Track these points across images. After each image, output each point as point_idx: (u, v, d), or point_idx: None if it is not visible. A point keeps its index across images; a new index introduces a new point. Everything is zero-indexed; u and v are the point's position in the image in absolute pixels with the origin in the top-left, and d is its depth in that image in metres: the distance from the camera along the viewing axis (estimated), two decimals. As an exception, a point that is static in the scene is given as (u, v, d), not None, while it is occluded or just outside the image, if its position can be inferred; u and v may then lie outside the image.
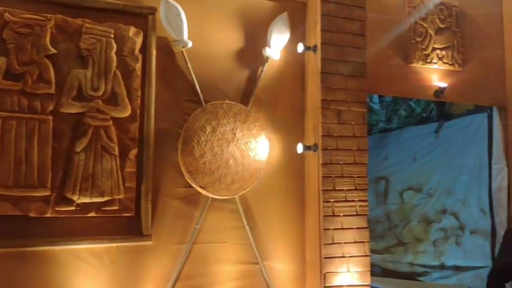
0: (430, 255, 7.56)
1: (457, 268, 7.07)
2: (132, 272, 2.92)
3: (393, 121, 9.65)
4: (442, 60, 3.88)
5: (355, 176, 3.30)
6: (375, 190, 8.98)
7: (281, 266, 3.29)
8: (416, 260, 7.73)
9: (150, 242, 2.93)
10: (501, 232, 4.12)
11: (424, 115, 9.19)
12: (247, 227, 3.20)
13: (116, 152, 2.86)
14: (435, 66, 3.86)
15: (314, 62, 3.35)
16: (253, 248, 3.20)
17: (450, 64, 3.90)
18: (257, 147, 3.21)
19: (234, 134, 3.17)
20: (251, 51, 3.35)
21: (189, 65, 3.12)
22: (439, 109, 8.72)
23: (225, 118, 3.16)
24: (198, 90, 3.15)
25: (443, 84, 3.78)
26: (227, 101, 3.21)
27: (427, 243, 7.71)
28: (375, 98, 10.13)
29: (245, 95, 3.30)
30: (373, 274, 8.50)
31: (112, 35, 2.91)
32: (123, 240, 2.88)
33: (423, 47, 3.82)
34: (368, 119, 9.76)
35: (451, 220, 7.44)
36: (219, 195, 3.12)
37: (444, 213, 7.63)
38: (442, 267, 7.28)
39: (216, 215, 3.15)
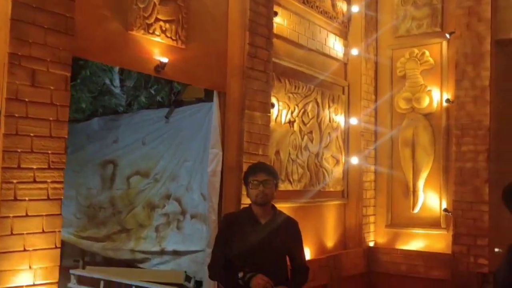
0: (152, 241, 7.44)
1: (176, 253, 7.11)
2: None
3: (133, 107, 9.29)
4: (165, 34, 3.59)
5: (49, 152, 2.71)
6: (101, 174, 8.45)
7: None
8: (138, 247, 7.51)
9: None
10: (212, 216, 4.10)
11: (160, 99, 9.10)
12: None
13: None
14: (158, 39, 3.56)
15: (4, 5, 2.62)
16: None
17: (173, 39, 3.65)
18: None
19: None
20: None
21: None
22: (172, 95, 8.74)
23: None
24: None
25: (164, 60, 3.50)
26: None
27: (150, 229, 7.58)
28: (117, 81, 9.64)
29: None
30: (95, 263, 7.98)
31: None
32: None
33: (146, 15, 3.46)
34: (107, 102, 9.14)
35: (174, 205, 7.46)
36: None
37: (168, 199, 7.60)
38: (162, 252, 7.23)
39: None
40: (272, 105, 4.44)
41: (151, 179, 7.85)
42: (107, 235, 7.96)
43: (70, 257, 8.96)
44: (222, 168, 4.09)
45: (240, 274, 2.95)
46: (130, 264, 7.47)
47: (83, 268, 7.86)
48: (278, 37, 4.63)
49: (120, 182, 8.14)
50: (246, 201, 3.25)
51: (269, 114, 4.32)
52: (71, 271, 7.34)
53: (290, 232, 3.24)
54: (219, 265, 3.16)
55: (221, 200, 4.06)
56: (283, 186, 4.70)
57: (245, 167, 3.85)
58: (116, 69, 9.19)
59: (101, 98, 9.48)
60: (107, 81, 9.36)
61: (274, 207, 3.26)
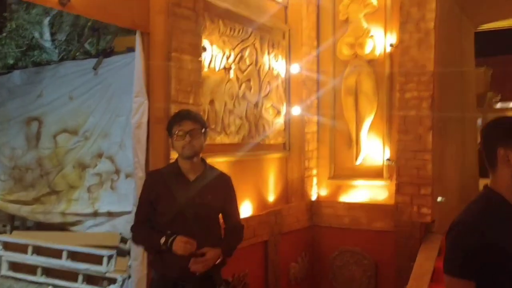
0: (84, 203, 7.01)
1: (111, 214, 6.73)
2: None
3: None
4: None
5: None
6: (26, 133, 7.80)
7: None
8: (69, 209, 7.06)
9: None
10: (139, 173, 3.68)
11: (88, 49, 8.40)
12: None
13: None
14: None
15: None
16: None
17: (80, -33, 3.09)
18: None
19: None
20: None
21: None
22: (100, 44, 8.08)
23: None
24: None
25: (70, -11, 2.96)
26: None
27: (81, 190, 7.12)
28: (47, 35, 8.84)
29: None
30: (25, 228, 7.45)
31: None
32: None
33: None
34: (37, 57, 8.31)
35: (107, 164, 7.01)
36: None
37: (100, 157, 7.13)
38: (95, 214, 6.83)
39: None
40: (204, 49, 4.00)
41: (80, 136, 7.33)
42: (36, 198, 7.46)
43: (5, 222, 8.38)
44: (148, 119, 3.66)
45: (162, 240, 2.60)
46: (61, 227, 7.04)
47: (11, 233, 7.35)
48: (209, -28, 4.13)
49: (46, 141, 7.56)
50: (175, 155, 2.86)
51: (200, 59, 3.88)
52: (-5, 237, 6.82)
53: (222, 189, 2.90)
54: (142, 228, 2.80)
55: (148, 155, 3.64)
56: (219, 139, 4.34)
57: (174, 118, 3.43)
58: (46, 21, 8.50)
59: (31, 53, 8.70)
60: (37, 35, 8.59)
61: (204, 161, 2.90)
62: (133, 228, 2.84)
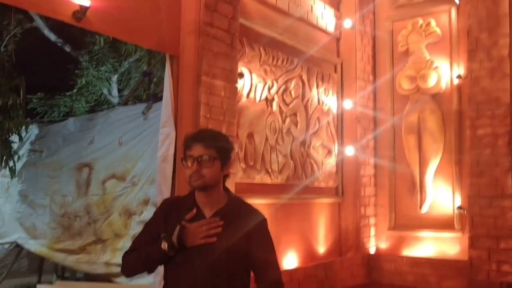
0: (129, 252, 6.66)
1: (157, 264, 6.31)
2: None
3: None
4: (90, -28, 2.80)
5: None
6: (76, 179, 7.70)
7: None
8: (114, 259, 6.71)
9: None
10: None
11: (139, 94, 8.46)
12: None
13: None
14: (80, -22, 2.77)
15: None
16: None
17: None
18: None
19: None
20: None
21: None
22: (151, 89, 8.09)
23: None
24: None
25: (86, 2, 2.70)
26: None
27: (126, 239, 6.77)
28: (114, 91, 9.12)
29: None
30: (75, 279, 7.20)
31: None
32: None
33: None
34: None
35: (153, 211, 6.69)
36: None
37: (146, 204, 6.82)
38: (138, 265, 6.42)
39: None
40: (241, 75, 3.62)
41: (128, 182, 7.11)
42: (82, 247, 7.21)
43: (54, 272, 8.24)
44: (175, 152, 3.26)
45: (164, 245, 2.02)
46: (104, 278, 6.70)
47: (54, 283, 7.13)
48: (250, -4, 3.83)
49: (95, 187, 7.41)
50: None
51: (235, 85, 3.50)
52: (38, 287, 6.61)
53: (252, 230, 2.24)
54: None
55: (173, 191, 3.22)
56: (259, 178, 3.87)
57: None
58: (114, 78, 8.78)
59: (99, 108, 8.98)
60: (105, 91, 8.88)
61: (228, 192, 2.32)
62: (124, 256, 2.25)
